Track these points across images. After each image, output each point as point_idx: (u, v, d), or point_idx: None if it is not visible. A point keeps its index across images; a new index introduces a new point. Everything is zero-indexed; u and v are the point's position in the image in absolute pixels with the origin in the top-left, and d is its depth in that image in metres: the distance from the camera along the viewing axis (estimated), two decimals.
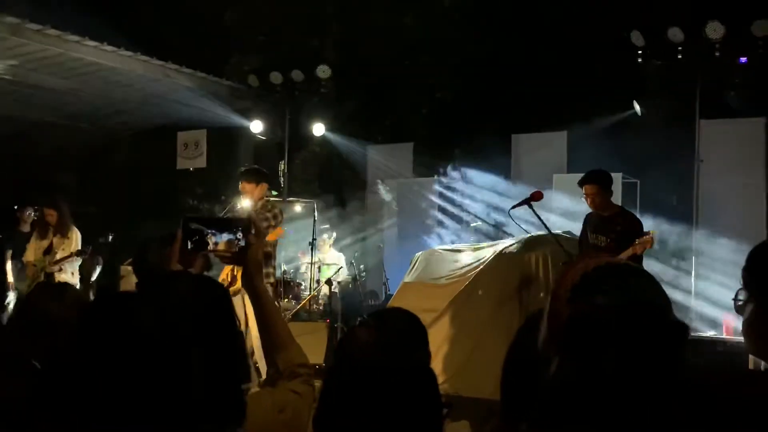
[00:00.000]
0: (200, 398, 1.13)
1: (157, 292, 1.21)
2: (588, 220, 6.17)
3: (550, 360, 1.27)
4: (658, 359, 1.21)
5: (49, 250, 7.86)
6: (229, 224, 1.92)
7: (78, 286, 7.68)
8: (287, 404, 1.73)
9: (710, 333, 8.16)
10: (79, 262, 8.04)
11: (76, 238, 7.95)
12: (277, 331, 1.87)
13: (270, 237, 6.59)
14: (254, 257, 1.88)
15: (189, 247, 1.89)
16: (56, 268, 7.74)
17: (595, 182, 5.94)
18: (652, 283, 1.33)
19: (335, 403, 1.47)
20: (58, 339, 2.27)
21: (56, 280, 7.39)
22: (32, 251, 8.01)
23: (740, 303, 1.63)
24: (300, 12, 11.42)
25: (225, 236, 1.88)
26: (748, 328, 1.63)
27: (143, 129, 12.46)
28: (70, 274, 7.83)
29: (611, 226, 5.90)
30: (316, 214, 9.95)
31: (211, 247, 1.89)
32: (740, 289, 1.63)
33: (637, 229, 5.84)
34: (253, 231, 1.90)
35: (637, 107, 9.39)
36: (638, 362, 1.19)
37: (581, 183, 6.01)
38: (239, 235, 1.88)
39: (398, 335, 1.96)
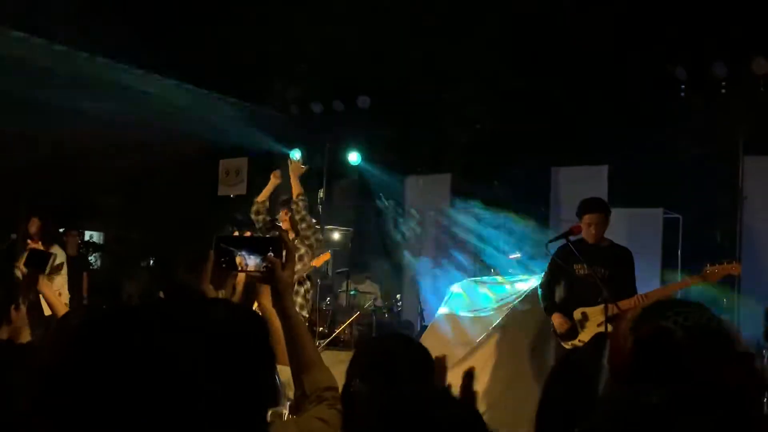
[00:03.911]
0: (221, 428, 1.12)
1: (192, 319, 1.20)
2: (572, 251, 5.55)
3: (613, 399, 1.25)
4: (726, 386, 1.20)
5: None
6: (261, 243, 1.92)
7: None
8: None
9: None
10: (62, 279, 7.46)
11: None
12: (305, 352, 1.85)
13: (316, 262, 6.63)
14: (285, 276, 1.87)
15: (221, 266, 1.90)
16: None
17: (602, 211, 5.70)
18: (714, 316, 1.34)
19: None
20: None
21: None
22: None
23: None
24: (341, 43, 11.56)
25: (257, 255, 1.88)
26: None
27: (186, 156, 12.67)
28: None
29: (611, 258, 5.62)
30: (352, 242, 9.97)
31: (242, 266, 1.90)
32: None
33: (632, 261, 5.68)
34: (284, 250, 1.90)
35: None
36: (707, 386, 1.18)
37: (586, 211, 5.66)
38: (271, 254, 1.88)
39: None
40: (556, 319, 5.59)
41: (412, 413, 1.46)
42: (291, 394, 1.92)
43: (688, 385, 1.14)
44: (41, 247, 5.07)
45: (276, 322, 2.04)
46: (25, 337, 3.23)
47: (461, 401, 1.62)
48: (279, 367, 1.99)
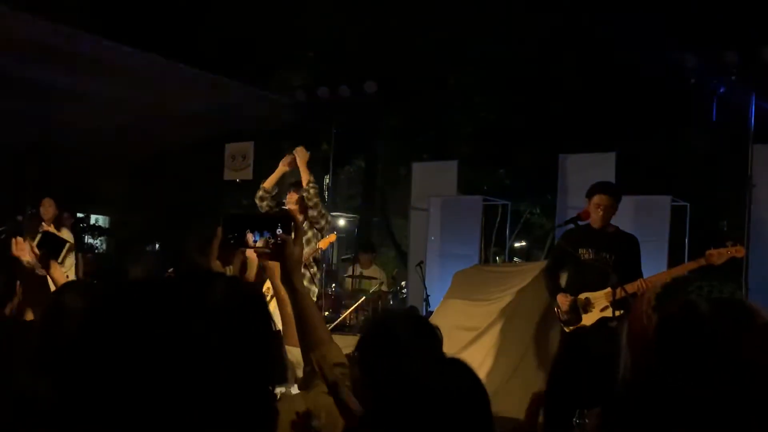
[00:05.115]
0: (227, 404, 1.10)
1: (189, 293, 1.18)
2: (578, 236, 5.52)
3: (638, 384, 1.24)
4: (751, 358, 1.18)
5: None
6: (269, 221, 1.91)
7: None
8: (321, 409, 1.71)
9: None
10: (71, 262, 7.50)
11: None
12: (314, 329, 1.84)
13: (322, 244, 6.61)
14: (293, 253, 1.86)
15: (229, 243, 1.89)
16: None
17: (614, 193, 5.53)
18: (736, 289, 1.33)
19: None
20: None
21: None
22: None
23: None
24: (348, 29, 11.51)
25: (265, 233, 1.87)
26: None
27: (192, 140, 12.66)
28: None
29: (616, 244, 5.47)
30: (358, 228, 9.96)
31: (251, 243, 1.89)
32: None
33: (638, 247, 5.61)
34: (293, 227, 1.88)
35: None
36: (738, 361, 1.16)
37: (596, 192, 5.51)
38: (279, 231, 1.86)
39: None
40: (560, 298, 5.52)
41: (412, 380, 1.45)
42: (300, 374, 1.90)
43: (716, 361, 1.12)
44: (57, 233, 5.07)
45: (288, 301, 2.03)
46: (28, 315, 3.23)
47: (464, 369, 1.59)
48: (289, 348, 1.98)
